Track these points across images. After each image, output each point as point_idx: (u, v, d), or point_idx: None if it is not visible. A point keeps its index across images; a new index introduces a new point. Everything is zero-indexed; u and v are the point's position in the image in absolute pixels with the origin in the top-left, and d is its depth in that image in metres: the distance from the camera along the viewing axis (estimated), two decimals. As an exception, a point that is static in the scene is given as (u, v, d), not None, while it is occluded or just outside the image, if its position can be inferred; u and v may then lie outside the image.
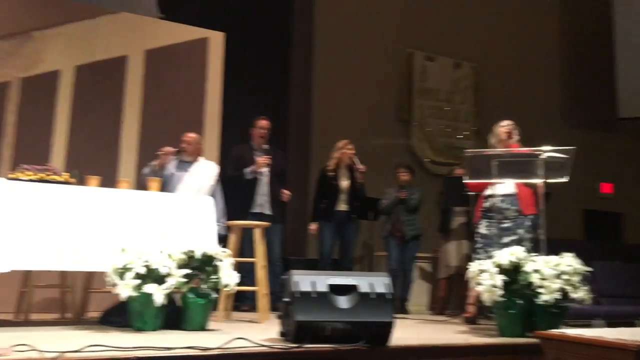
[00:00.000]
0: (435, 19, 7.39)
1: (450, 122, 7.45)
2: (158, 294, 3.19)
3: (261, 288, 4.13)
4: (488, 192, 4.18)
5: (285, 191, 5.02)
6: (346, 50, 6.80)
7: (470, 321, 4.27)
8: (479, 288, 3.50)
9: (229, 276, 3.48)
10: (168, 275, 3.27)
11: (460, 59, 7.57)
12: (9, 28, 5.08)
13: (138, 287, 3.20)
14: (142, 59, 5.61)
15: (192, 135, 4.70)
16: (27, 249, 3.31)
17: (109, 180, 3.96)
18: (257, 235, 4.22)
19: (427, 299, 6.19)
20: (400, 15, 7.19)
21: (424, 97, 7.32)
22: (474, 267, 3.61)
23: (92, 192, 3.59)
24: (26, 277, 4.00)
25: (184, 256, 3.38)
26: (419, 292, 6.02)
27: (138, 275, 3.21)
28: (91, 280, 4.04)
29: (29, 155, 4.71)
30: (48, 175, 3.58)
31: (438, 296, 5.96)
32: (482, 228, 4.16)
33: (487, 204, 4.17)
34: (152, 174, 4.32)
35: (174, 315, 3.36)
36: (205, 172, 4.64)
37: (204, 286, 3.40)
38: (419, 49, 7.32)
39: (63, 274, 4.09)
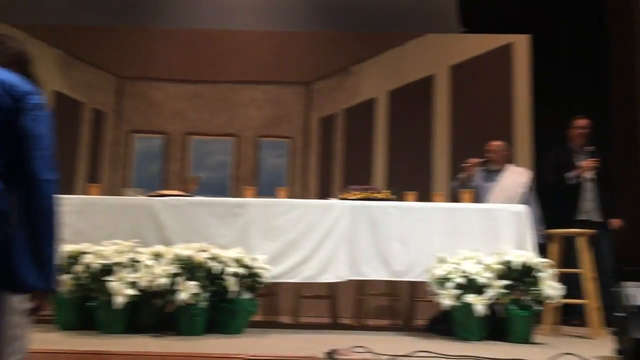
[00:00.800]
0: None
1: None
2: (478, 304, 3.22)
3: (591, 301, 3.81)
4: None
5: (615, 221, 4.57)
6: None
7: None
8: None
9: (550, 288, 3.31)
10: (487, 285, 3.28)
11: None
12: (333, 67, 5.80)
13: (458, 297, 3.28)
14: (448, 74, 5.78)
15: (496, 144, 4.62)
16: (360, 261, 3.71)
17: (425, 195, 4.15)
18: (581, 244, 3.91)
19: None
20: None
21: None
22: None
23: (410, 207, 3.83)
24: (361, 286, 4.45)
25: (502, 267, 3.35)
26: None
27: (458, 285, 3.29)
28: (417, 289, 4.27)
29: (355, 176, 5.27)
30: (371, 193, 3.95)
31: None
32: None
33: None
34: (460, 186, 4.39)
35: (498, 327, 3.34)
36: (514, 179, 4.51)
37: (525, 298, 3.31)
38: None
39: (391, 284, 4.41)
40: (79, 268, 3.35)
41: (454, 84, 5.75)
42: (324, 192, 5.42)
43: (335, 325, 4.17)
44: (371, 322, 4.44)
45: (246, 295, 3.42)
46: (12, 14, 5.89)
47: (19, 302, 1.69)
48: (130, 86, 5.76)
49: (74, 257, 3.42)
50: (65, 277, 3.33)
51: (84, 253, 3.40)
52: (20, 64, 1.92)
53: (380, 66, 5.78)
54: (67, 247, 3.42)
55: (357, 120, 5.75)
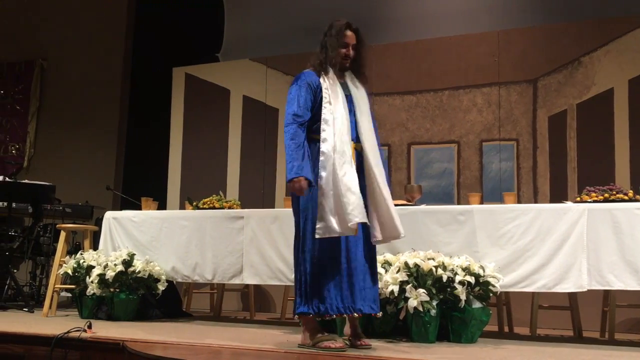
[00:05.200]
0: None
1: None
2: None
3: None
4: None
5: None
6: None
7: None
8: None
9: None
10: None
11: None
12: (561, 60, 5.40)
13: None
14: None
15: None
16: (604, 269, 3.39)
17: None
18: None
19: None
20: None
21: None
22: None
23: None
24: (607, 296, 4.06)
25: None
26: None
27: None
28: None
29: (593, 177, 4.82)
30: (613, 194, 3.59)
31: None
32: None
33: None
34: None
35: None
36: None
37: None
38: None
39: (644, 294, 3.95)
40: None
41: None
42: (558, 195, 5.06)
43: (578, 339, 3.86)
44: (620, 336, 4.02)
45: (477, 304, 3.35)
46: (252, 50, 6.68)
47: None
48: (355, 103, 6.06)
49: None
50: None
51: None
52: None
53: (616, 53, 5.22)
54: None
55: (592, 115, 5.25)
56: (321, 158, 2.94)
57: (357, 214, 2.85)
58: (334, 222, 2.86)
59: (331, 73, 3.08)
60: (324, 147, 2.94)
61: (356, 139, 3.07)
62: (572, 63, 5.36)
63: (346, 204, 2.85)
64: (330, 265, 2.95)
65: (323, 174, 2.91)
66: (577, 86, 5.33)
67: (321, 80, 3.06)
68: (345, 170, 2.90)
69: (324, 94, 3.03)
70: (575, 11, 5.54)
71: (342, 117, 2.99)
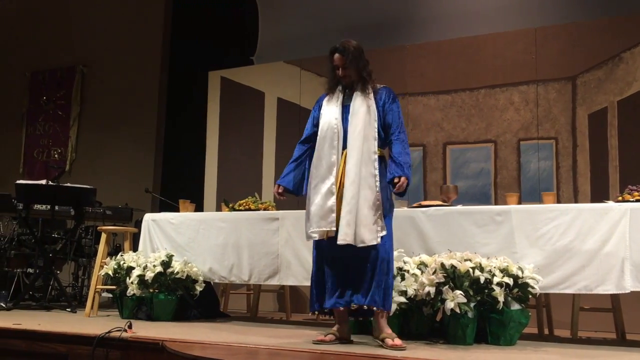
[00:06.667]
0: None
1: None
2: None
3: None
4: None
5: None
6: None
7: None
8: None
9: None
10: None
11: None
12: (601, 56, 5.27)
13: None
14: None
15: None
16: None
17: None
18: None
19: None
20: None
21: None
22: None
23: None
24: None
25: None
26: None
27: None
28: None
29: (635, 176, 4.69)
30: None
31: None
32: None
33: None
34: None
35: None
36: None
37: None
38: None
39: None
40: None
41: None
42: (599, 195, 4.94)
43: (621, 342, 3.76)
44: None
45: (516, 306, 3.30)
46: (286, 52, 6.71)
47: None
48: (389, 103, 6.03)
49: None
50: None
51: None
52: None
53: (656, 49, 5.07)
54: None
55: (634, 112, 5.11)
56: None
57: (312, 222, 3.20)
58: (307, 227, 3.24)
59: (337, 91, 3.38)
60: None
61: (344, 145, 3.25)
62: (612, 59, 5.23)
63: (310, 212, 3.22)
64: (315, 268, 3.31)
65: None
66: (617, 83, 5.20)
67: (326, 98, 3.40)
68: (317, 182, 3.22)
69: (321, 111, 3.38)
70: (614, 6, 5.40)
71: (329, 129, 3.27)
